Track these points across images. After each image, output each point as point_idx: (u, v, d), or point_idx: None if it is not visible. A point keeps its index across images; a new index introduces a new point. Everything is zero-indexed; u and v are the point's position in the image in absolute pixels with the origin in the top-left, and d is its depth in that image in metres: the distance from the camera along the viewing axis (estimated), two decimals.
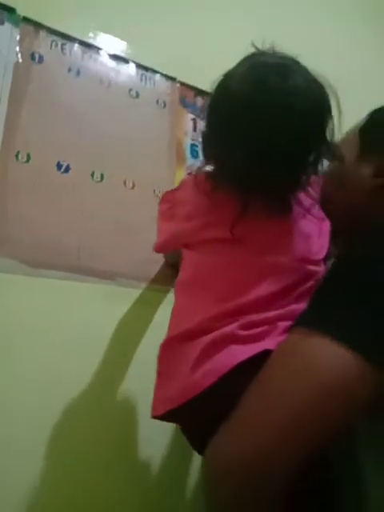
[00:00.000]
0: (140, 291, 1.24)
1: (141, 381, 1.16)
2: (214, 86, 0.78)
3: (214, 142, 0.78)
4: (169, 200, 0.97)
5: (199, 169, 0.85)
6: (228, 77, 0.76)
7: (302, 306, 0.69)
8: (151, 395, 1.14)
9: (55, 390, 1.05)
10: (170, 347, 0.77)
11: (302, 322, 0.62)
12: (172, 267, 1.29)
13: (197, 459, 1.17)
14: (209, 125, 0.80)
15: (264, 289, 0.70)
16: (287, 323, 0.66)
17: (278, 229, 0.77)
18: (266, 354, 0.61)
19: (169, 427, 1.16)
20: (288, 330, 0.64)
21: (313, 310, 0.63)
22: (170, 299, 1.28)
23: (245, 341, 0.65)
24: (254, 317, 0.67)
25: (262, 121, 0.68)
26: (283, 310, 0.69)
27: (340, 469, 0.58)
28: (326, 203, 0.84)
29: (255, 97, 0.68)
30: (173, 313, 0.85)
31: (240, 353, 0.63)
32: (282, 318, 0.68)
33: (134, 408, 1.14)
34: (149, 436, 1.13)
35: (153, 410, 0.75)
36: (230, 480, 0.54)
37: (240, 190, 0.74)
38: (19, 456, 0.98)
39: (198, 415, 0.67)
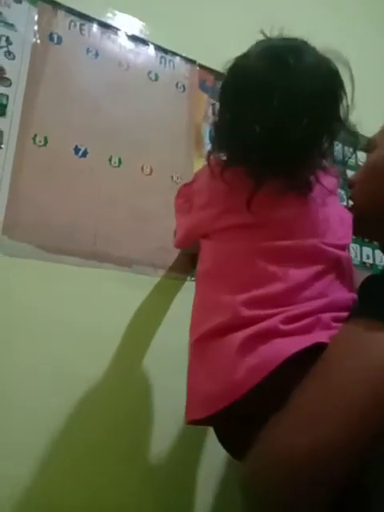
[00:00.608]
0: (156, 279, 1.23)
1: (155, 369, 1.16)
2: (227, 69, 0.79)
3: (228, 122, 0.76)
4: (185, 193, 0.95)
5: (209, 154, 0.83)
6: (242, 57, 0.77)
7: (340, 294, 0.67)
8: (165, 384, 1.16)
9: (68, 377, 1.04)
10: (202, 344, 0.71)
11: (365, 313, 0.60)
12: (190, 256, 1.28)
13: (208, 453, 1.17)
14: (223, 105, 0.79)
15: (293, 277, 0.67)
16: (330, 315, 0.63)
17: (299, 212, 0.74)
18: (316, 348, 0.59)
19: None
20: (344, 321, 0.62)
21: (378, 302, 0.61)
22: (186, 287, 1.26)
23: (289, 334, 0.61)
24: (294, 309, 0.64)
25: (276, 96, 0.67)
26: (322, 302, 0.66)
27: (377, 470, 0.56)
28: (351, 187, 0.84)
29: (270, 73, 0.68)
30: (196, 306, 0.81)
31: (288, 346, 0.59)
32: (322, 310, 0.64)
33: (147, 396, 1.14)
34: (163, 426, 1.13)
35: (189, 413, 0.71)
36: (297, 475, 0.50)
37: (255, 169, 0.72)
38: (28, 446, 0.98)
39: (242, 415, 0.62)
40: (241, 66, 0.74)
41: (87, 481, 1.01)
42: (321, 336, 0.60)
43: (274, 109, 0.67)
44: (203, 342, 0.71)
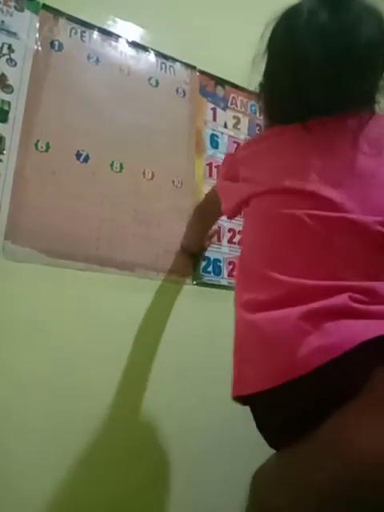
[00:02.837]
0: (159, 282, 1.23)
1: (160, 373, 1.16)
2: (279, 17, 0.81)
3: (284, 53, 0.76)
4: (228, 162, 0.90)
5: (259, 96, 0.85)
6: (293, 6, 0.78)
7: None
8: (170, 387, 1.15)
9: (70, 380, 1.04)
10: (252, 314, 0.65)
11: None
12: (190, 256, 1.28)
13: (226, 453, 1.16)
14: (274, 44, 0.79)
15: (347, 254, 0.62)
16: None
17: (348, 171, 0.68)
18: None
19: (189, 415, 1.15)
20: None
21: None
22: (188, 291, 1.26)
23: (362, 316, 0.56)
24: (364, 286, 0.58)
25: (330, 34, 0.68)
26: None
27: None
28: None
29: (324, 13, 0.70)
30: (244, 279, 0.74)
31: (363, 330, 0.54)
32: None
33: (151, 397, 1.13)
34: (169, 427, 1.13)
35: (236, 388, 0.65)
36: None
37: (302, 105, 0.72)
38: (38, 448, 0.98)
39: (298, 398, 0.56)
40: (296, 7, 0.76)
41: (98, 484, 1.02)
42: None
43: (325, 47, 0.68)
44: (254, 310, 0.65)
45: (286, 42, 0.76)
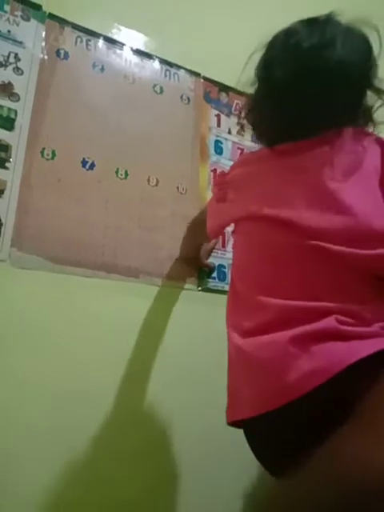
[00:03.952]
0: (164, 288, 1.23)
1: (164, 378, 1.16)
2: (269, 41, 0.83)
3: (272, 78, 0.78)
4: (219, 182, 0.91)
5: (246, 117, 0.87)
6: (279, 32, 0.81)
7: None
8: (176, 393, 1.16)
9: (76, 385, 1.05)
10: (243, 340, 0.67)
11: None
12: (188, 263, 1.28)
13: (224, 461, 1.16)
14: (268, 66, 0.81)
15: (332, 278, 0.63)
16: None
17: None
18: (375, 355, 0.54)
19: (189, 421, 1.15)
20: None
21: None
22: (193, 297, 1.27)
23: (349, 337, 0.57)
24: (350, 308, 0.60)
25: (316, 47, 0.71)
26: (377, 307, 0.61)
27: None
28: None
29: (300, 35, 0.73)
30: (232, 301, 0.76)
31: (353, 351, 0.55)
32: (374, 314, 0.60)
33: (155, 402, 1.14)
34: (172, 431, 1.13)
35: (232, 413, 0.66)
36: None
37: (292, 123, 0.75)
38: (43, 445, 0.99)
39: (291, 422, 0.57)
40: (279, 31, 0.80)
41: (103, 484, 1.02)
42: (379, 343, 0.55)
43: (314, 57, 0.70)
44: (243, 334, 0.67)
45: (263, 65, 0.80)
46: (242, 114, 0.86)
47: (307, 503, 0.52)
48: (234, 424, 0.66)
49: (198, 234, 1.19)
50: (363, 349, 0.55)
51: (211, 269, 1.32)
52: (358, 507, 0.47)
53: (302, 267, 0.65)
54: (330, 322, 0.59)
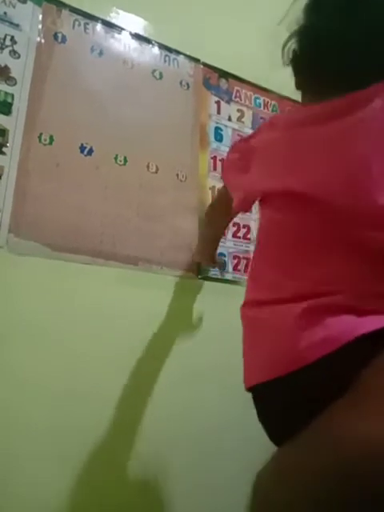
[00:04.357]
0: (163, 276, 1.22)
1: (162, 367, 1.15)
2: None
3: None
4: (241, 149, 0.83)
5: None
6: None
7: None
8: (174, 381, 1.15)
9: (73, 374, 1.04)
10: (257, 310, 0.68)
11: None
12: (206, 261, 1.27)
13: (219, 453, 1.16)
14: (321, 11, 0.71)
15: (348, 262, 0.61)
16: None
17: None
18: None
19: (184, 411, 1.14)
20: None
21: None
22: (193, 285, 1.26)
23: (359, 313, 0.57)
24: (367, 288, 0.59)
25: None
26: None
27: None
28: None
29: None
30: (251, 274, 0.75)
31: (362, 324, 0.55)
32: None
33: (155, 391, 1.13)
34: (174, 423, 1.12)
35: (249, 379, 0.66)
36: None
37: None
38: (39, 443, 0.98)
39: (300, 388, 0.57)
40: None
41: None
42: None
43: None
44: (260, 305, 0.67)
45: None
46: (286, 49, 0.74)
47: (303, 472, 0.52)
48: (250, 390, 0.66)
49: (219, 224, 1.16)
50: (372, 323, 0.55)
51: (223, 266, 1.30)
52: (353, 476, 0.47)
53: (329, 254, 0.63)
54: (342, 297, 0.59)
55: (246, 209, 0.82)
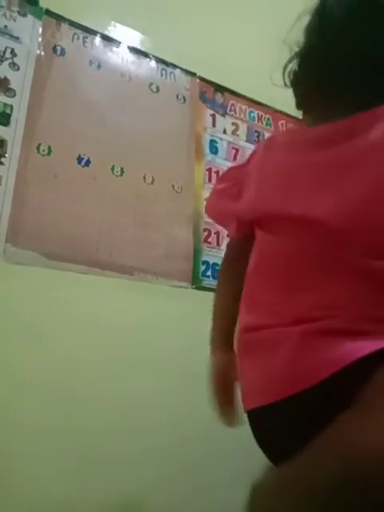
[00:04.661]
0: (158, 286, 1.24)
1: (158, 375, 1.16)
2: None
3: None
4: (232, 177, 0.81)
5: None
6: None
7: None
8: (168, 388, 1.16)
9: (69, 380, 1.05)
10: (255, 333, 0.67)
11: None
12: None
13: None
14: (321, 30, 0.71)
15: (347, 288, 0.61)
16: None
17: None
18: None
19: (178, 416, 1.15)
20: None
21: None
22: (187, 294, 1.27)
23: (358, 336, 0.57)
24: (361, 312, 0.60)
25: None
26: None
27: None
28: None
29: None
30: (246, 300, 0.74)
31: (360, 346, 0.55)
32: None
33: (145, 399, 1.14)
34: (170, 427, 1.13)
35: (247, 402, 0.65)
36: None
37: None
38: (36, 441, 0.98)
39: (298, 413, 0.58)
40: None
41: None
42: None
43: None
44: (254, 331, 0.67)
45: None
46: (287, 70, 0.74)
47: (306, 483, 0.51)
48: (248, 413, 0.66)
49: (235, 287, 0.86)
50: (370, 345, 0.56)
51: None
52: (357, 489, 0.48)
53: (326, 279, 0.62)
54: (339, 321, 0.59)
55: (242, 235, 0.79)
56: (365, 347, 0.56)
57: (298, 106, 0.75)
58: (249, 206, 0.72)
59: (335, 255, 0.61)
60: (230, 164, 1.46)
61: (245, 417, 0.67)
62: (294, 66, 0.73)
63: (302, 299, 0.63)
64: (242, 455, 1.15)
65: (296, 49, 0.72)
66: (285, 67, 0.74)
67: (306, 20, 0.72)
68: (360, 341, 0.57)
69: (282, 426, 0.61)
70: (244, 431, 0.69)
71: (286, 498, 0.54)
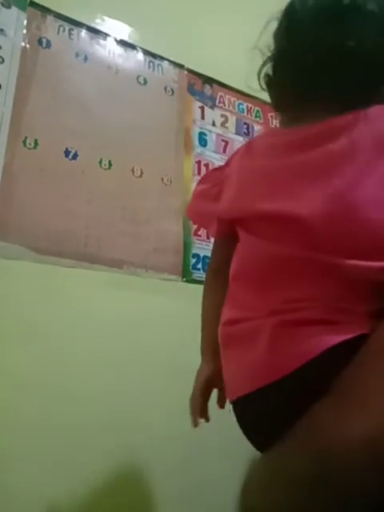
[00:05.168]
0: (148, 279, 1.23)
1: (147, 369, 1.16)
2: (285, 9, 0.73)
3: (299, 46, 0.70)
4: (213, 178, 0.82)
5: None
6: None
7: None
8: (158, 383, 1.16)
9: (58, 376, 1.04)
10: (232, 327, 0.69)
11: None
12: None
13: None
14: (290, 32, 0.72)
15: (336, 290, 0.61)
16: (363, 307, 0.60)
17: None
18: (359, 339, 0.56)
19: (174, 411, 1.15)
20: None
21: None
22: (177, 288, 1.27)
23: (333, 324, 0.59)
24: (337, 306, 0.61)
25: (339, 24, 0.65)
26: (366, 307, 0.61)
27: None
28: None
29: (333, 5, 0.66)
30: (228, 299, 0.76)
31: (336, 334, 0.57)
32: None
33: (137, 395, 1.13)
34: (154, 424, 1.13)
35: (231, 393, 0.68)
36: (352, 460, 0.47)
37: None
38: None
39: (277, 400, 0.59)
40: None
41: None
42: (362, 329, 0.57)
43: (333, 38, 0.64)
44: (232, 325, 0.69)
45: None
46: (262, 74, 0.75)
47: (287, 473, 0.52)
48: (232, 403, 0.68)
49: (221, 290, 0.86)
50: (346, 332, 0.57)
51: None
52: (335, 474, 0.48)
53: (303, 279, 0.63)
54: (313, 311, 0.60)
55: (222, 235, 0.81)
56: (340, 334, 0.57)
57: (274, 107, 0.77)
58: (228, 206, 0.73)
59: (310, 255, 0.62)
60: (219, 156, 1.46)
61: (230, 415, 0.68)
62: (267, 69, 0.74)
63: (275, 295, 0.64)
64: (235, 452, 1.16)
65: (267, 53, 0.73)
66: (259, 71, 0.75)
67: (274, 24, 0.73)
68: (333, 330, 0.59)
69: (262, 414, 0.62)
70: (238, 429, 0.70)
71: (270, 492, 0.55)
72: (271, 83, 0.74)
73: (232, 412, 0.69)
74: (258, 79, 0.75)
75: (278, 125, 0.84)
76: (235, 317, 0.70)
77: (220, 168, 0.83)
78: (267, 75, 0.74)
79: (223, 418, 1.16)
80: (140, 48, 1.42)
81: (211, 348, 0.87)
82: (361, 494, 0.47)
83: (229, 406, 0.70)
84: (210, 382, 0.89)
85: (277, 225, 0.65)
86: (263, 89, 0.76)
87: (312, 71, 0.68)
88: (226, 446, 1.19)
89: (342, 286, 0.61)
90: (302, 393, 0.55)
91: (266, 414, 0.62)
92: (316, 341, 0.58)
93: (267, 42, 0.74)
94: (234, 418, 0.70)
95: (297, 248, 0.63)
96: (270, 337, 0.60)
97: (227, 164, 0.80)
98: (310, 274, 0.63)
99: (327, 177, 0.63)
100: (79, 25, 1.33)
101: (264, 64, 0.74)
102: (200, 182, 0.87)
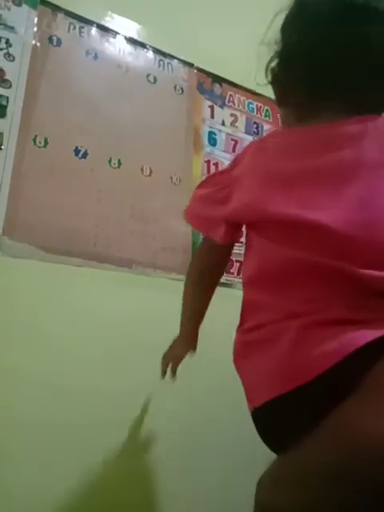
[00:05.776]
0: (156, 279, 1.23)
1: (155, 369, 1.16)
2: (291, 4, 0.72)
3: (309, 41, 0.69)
4: (218, 182, 0.79)
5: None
6: None
7: None
8: (164, 383, 1.15)
9: (66, 375, 1.04)
10: (253, 333, 0.68)
11: None
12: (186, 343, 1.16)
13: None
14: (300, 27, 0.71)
15: (346, 294, 0.61)
16: None
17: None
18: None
19: (176, 413, 1.15)
20: None
21: None
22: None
23: (357, 324, 0.58)
24: (352, 303, 0.60)
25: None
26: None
27: None
28: None
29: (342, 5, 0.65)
30: (245, 306, 0.75)
31: (363, 334, 0.56)
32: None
33: (144, 395, 1.13)
34: (169, 422, 1.13)
35: (253, 399, 0.66)
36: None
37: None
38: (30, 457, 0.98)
39: (305, 403, 0.58)
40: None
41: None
42: None
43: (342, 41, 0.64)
44: (251, 331, 0.68)
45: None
46: (269, 70, 0.73)
47: (308, 473, 0.52)
48: (256, 409, 0.66)
49: (211, 293, 0.96)
50: (372, 332, 0.56)
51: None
52: (358, 475, 0.47)
53: (319, 285, 0.63)
54: (338, 311, 0.59)
55: (234, 239, 0.80)
56: (366, 334, 0.56)
57: (279, 102, 0.76)
58: (241, 208, 0.71)
59: (330, 263, 0.61)
60: (228, 156, 1.45)
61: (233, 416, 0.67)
62: (274, 64, 0.73)
63: (294, 297, 0.63)
64: (240, 446, 1.16)
65: (275, 47, 0.72)
66: (267, 65, 0.73)
67: (282, 17, 0.72)
68: (360, 329, 0.57)
69: (288, 420, 0.61)
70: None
71: (285, 487, 0.54)
72: (277, 78, 0.73)
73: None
74: (265, 73, 0.74)
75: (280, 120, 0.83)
76: (254, 323, 0.68)
77: (226, 171, 0.81)
78: (273, 70, 0.73)
79: (224, 417, 1.16)
80: (150, 46, 1.42)
81: (191, 333, 1.01)
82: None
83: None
84: (178, 359, 1.04)
85: (293, 230, 0.64)
86: (270, 83, 0.74)
87: (326, 69, 0.67)
88: (227, 445, 1.19)
89: (363, 290, 0.60)
90: (330, 395, 0.54)
91: (292, 421, 0.60)
92: (346, 339, 0.56)
93: (274, 36, 0.72)
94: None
95: (316, 254, 0.62)
96: (293, 340, 0.59)
97: (235, 165, 0.78)
98: (330, 279, 0.62)
99: (341, 184, 0.62)
100: (89, 23, 1.33)
101: (272, 59, 0.72)
102: (201, 186, 0.85)
